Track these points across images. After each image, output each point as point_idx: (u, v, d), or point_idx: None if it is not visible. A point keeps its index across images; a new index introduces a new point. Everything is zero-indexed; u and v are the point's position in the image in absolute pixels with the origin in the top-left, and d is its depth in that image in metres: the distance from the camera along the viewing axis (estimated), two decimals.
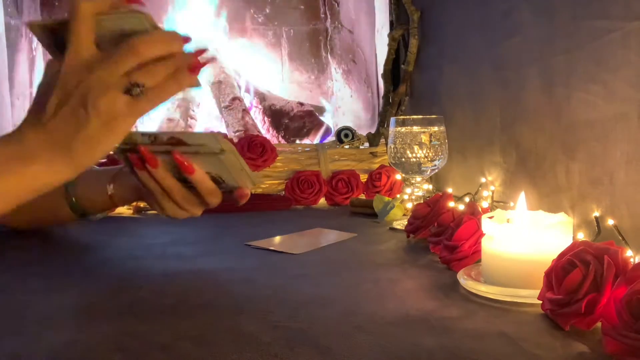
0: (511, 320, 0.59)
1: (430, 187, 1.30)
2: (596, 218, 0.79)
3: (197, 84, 0.63)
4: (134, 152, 0.73)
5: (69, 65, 0.61)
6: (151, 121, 1.92)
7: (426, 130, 1.04)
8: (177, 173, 0.74)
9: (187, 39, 0.64)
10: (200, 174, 0.74)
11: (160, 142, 0.72)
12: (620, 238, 0.73)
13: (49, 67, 0.65)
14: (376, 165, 1.41)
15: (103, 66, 0.60)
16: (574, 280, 0.56)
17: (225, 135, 1.56)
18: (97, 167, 1.02)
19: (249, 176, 0.76)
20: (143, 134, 0.72)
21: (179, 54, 0.63)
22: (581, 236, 0.79)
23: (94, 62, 0.60)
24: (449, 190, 1.22)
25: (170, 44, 0.62)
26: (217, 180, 0.76)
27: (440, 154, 1.04)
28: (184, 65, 0.63)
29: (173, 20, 1.99)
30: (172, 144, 0.71)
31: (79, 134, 0.59)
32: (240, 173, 0.74)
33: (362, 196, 1.33)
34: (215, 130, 1.93)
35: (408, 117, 1.07)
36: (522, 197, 0.71)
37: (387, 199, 1.16)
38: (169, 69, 0.62)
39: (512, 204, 1.00)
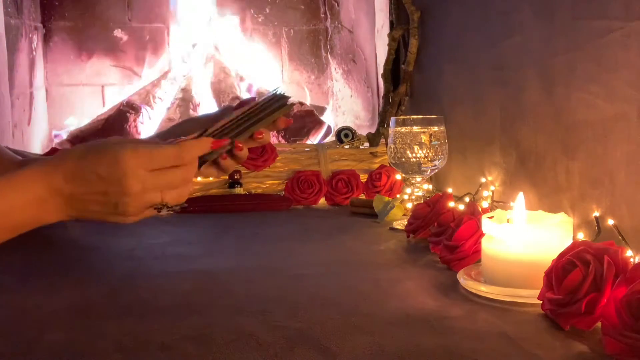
0: (511, 320, 0.59)
1: (430, 187, 1.30)
2: (596, 218, 0.79)
3: None
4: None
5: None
6: (151, 120, 1.92)
7: (426, 130, 1.03)
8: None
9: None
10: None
11: (245, 128, 0.72)
12: (620, 238, 0.73)
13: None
14: (376, 165, 1.41)
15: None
16: (574, 280, 0.56)
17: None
18: None
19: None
20: (233, 136, 0.71)
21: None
22: (581, 236, 0.79)
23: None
24: (449, 190, 1.22)
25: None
26: None
27: (440, 154, 1.04)
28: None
29: (174, 21, 1.99)
30: (254, 123, 0.71)
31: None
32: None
33: (362, 196, 1.33)
34: None
35: (408, 117, 1.07)
36: (520, 198, 0.71)
37: (387, 199, 1.16)
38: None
39: (512, 204, 0.99)
